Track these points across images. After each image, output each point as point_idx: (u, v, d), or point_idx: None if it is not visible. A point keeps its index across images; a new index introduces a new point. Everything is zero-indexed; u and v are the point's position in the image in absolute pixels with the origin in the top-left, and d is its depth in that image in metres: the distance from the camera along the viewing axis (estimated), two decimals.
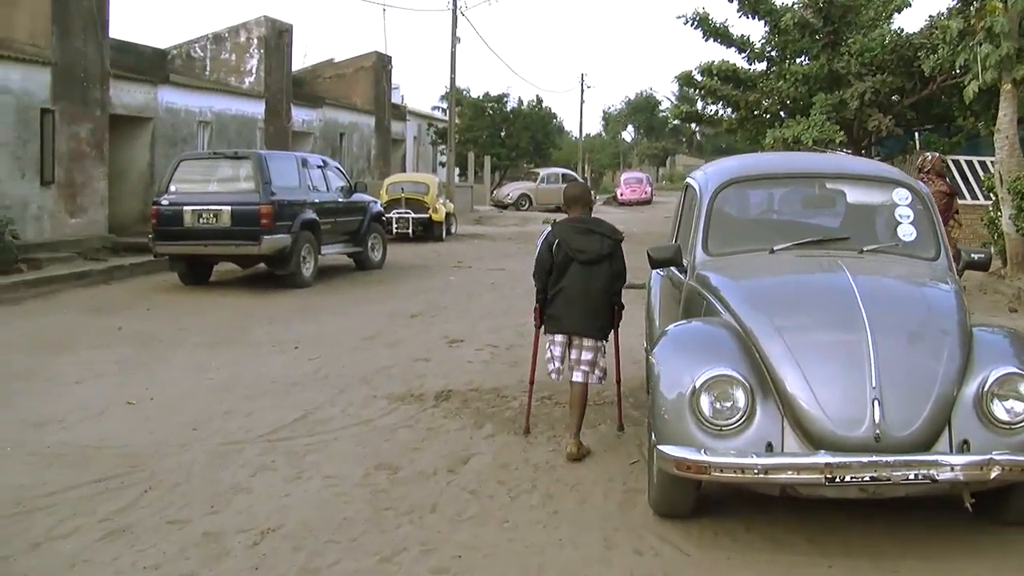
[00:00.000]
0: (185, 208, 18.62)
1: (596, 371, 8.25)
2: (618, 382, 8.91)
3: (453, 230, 34.05)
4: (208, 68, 36.61)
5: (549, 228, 8.38)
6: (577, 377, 8.22)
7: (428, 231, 31.72)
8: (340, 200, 21.56)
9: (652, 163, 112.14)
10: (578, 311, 8.10)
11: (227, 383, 10.70)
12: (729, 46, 28.60)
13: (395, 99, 52.98)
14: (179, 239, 18.80)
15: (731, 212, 7.88)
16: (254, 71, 36.25)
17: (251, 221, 18.33)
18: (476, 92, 64.38)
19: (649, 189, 68.01)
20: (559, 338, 8.31)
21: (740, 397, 5.78)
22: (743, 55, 28.68)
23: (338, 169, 22.62)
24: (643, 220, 44.98)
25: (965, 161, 25.39)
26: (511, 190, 55.37)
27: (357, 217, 22.28)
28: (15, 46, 22.37)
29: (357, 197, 22.52)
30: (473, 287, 19.63)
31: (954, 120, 26.69)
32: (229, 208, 18.46)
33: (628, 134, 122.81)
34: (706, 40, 28.44)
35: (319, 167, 21.29)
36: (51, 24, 22.89)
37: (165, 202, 18.86)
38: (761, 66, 28.78)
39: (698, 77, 28.18)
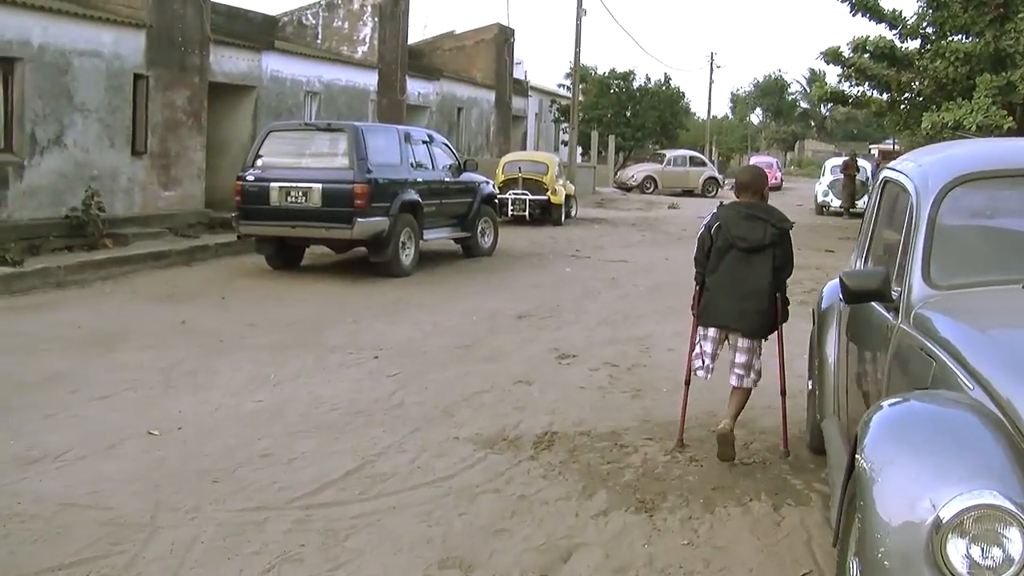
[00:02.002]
0: (272, 185, 16.72)
1: (751, 374, 7.68)
2: (783, 393, 7.88)
3: (573, 213, 31.90)
4: (320, 36, 34.96)
5: (714, 210, 7.75)
6: (732, 380, 7.69)
7: (546, 214, 29.60)
8: (447, 180, 19.53)
9: (780, 147, 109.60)
10: (733, 303, 7.55)
11: (278, 407, 8.64)
12: (879, 22, 25.99)
13: (517, 74, 51.05)
14: (264, 219, 16.91)
15: (965, 224, 5.50)
16: (367, 40, 34.52)
17: (344, 201, 16.36)
18: (602, 70, 62.17)
19: (779, 174, 65.29)
20: (711, 332, 7.76)
21: (1017, 541, 3.47)
22: (894, 32, 26.06)
23: (446, 145, 20.50)
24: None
25: None
26: (636, 172, 52.98)
27: (466, 199, 20.23)
28: (108, 6, 20.72)
29: (467, 176, 20.42)
30: (591, 282, 17.44)
31: None
32: (320, 186, 16.51)
33: (756, 117, 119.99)
34: (853, 14, 25.90)
35: (424, 142, 19.22)
36: None
37: (250, 177, 16.98)
38: (914, 44, 26.19)
39: (847, 54, 25.65)
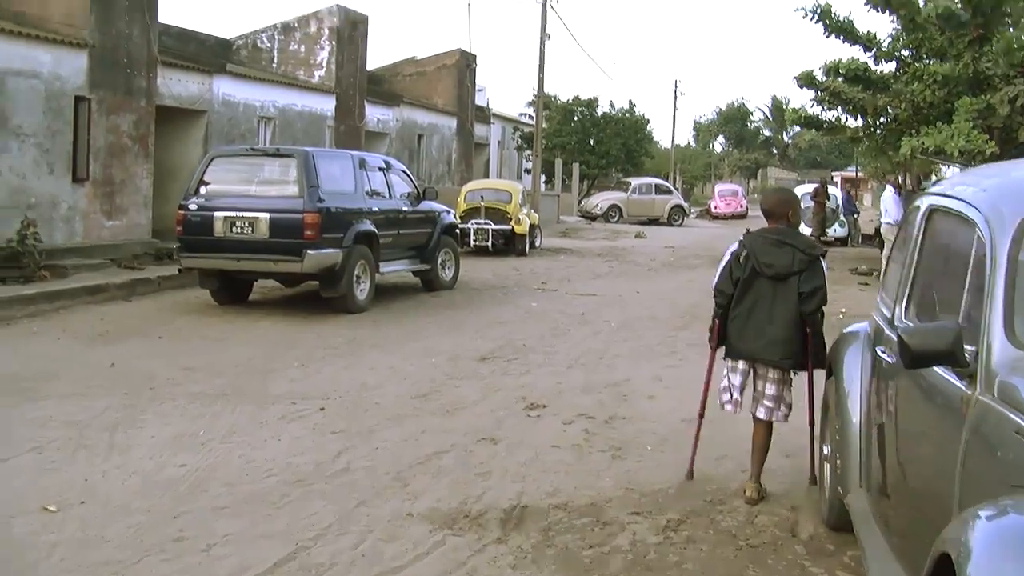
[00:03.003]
0: (216, 214, 15.52)
1: (782, 407, 7.35)
2: (811, 424, 7.55)
3: (537, 243, 30.75)
4: (275, 60, 33.95)
5: (740, 238, 7.48)
6: (760, 413, 7.36)
7: (509, 244, 28.57)
8: (405, 209, 18.32)
9: (743, 175, 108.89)
10: (762, 334, 7.20)
11: (203, 474, 7.41)
12: (854, 43, 24.97)
13: (479, 101, 50.22)
14: (208, 251, 15.68)
15: None
16: (325, 64, 33.56)
17: (293, 232, 15.18)
18: (565, 97, 61.11)
19: (744, 202, 64.60)
20: (741, 365, 7.43)
21: None
22: (869, 54, 25.08)
23: (404, 172, 19.28)
24: None
25: None
26: (600, 200, 51.86)
27: (425, 229, 19.04)
28: (46, 25, 19.58)
29: (426, 205, 19.23)
30: (559, 318, 16.31)
31: None
32: (267, 216, 15.32)
33: (719, 144, 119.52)
34: (827, 36, 24.85)
35: (381, 169, 18.02)
36: (90, 2, 20.04)
37: (193, 206, 15.77)
38: (889, 67, 25.23)
39: (821, 77, 24.64)
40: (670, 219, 50.60)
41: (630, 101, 77.33)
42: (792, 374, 7.37)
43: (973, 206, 4.44)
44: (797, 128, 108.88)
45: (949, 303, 4.59)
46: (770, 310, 7.17)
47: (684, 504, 6.89)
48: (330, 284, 15.84)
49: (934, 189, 5.45)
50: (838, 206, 36.83)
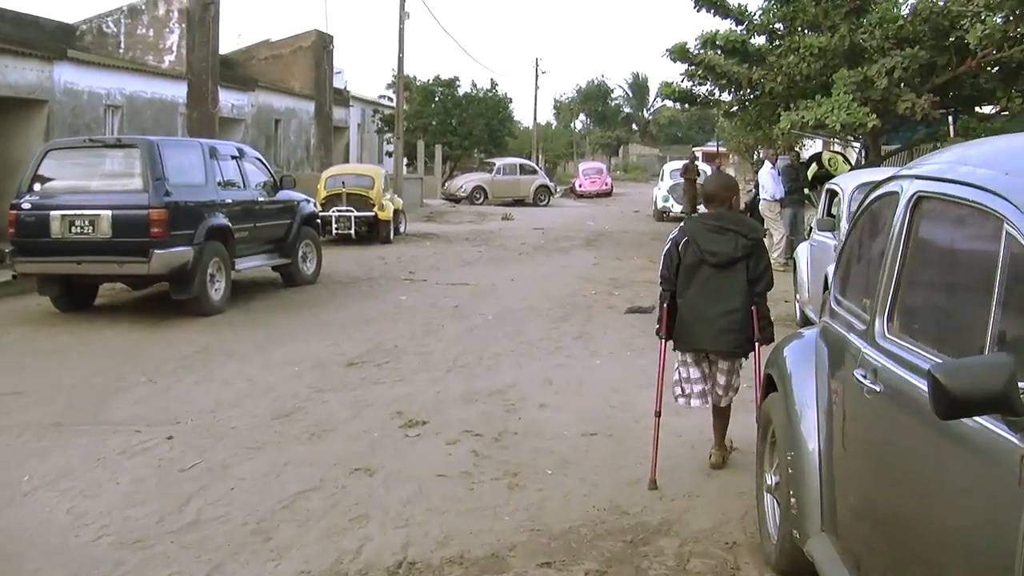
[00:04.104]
0: (52, 213, 14.10)
1: (730, 393, 7.35)
2: (759, 407, 6.62)
3: (402, 229, 29.56)
4: (123, 45, 32.38)
5: (681, 224, 7.43)
6: (710, 401, 7.34)
7: (373, 231, 27.34)
8: (261, 199, 17.02)
9: (604, 152, 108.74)
10: (708, 324, 7.10)
11: (18, 539, 6.11)
12: (725, 17, 24.19)
13: (338, 84, 48.79)
14: (45, 254, 14.28)
15: None
16: (175, 49, 32.16)
17: (138, 230, 13.85)
18: (426, 77, 59.78)
19: (609, 180, 64.14)
20: (690, 357, 7.32)
21: None
22: (741, 28, 24.32)
23: (258, 160, 17.94)
24: (611, 215, 40.93)
25: None
26: (464, 182, 50.64)
27: (284, 220, 17.77)
28: None
29: (284, 195, 17.94)
30: (431, 313, 15.21)
31: (996, 100, 22.59)
32: (109, 213, 13.92)
33: (580, 123, 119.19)
34: (697, 9, 24.02)
35: (233, 158, 16.66)
36: None
37: (26, 205, 14.32)
38: (761, 40, 24.49)
39: (695, 51, 23.78)
40: (536, 199, 49.76)
41: (492, 80, 76.84)
42: (742, 361, 7.29)
43: (997, 194, 3.40)
44: (659, 104, 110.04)
45: (964, 320, 3.61)
46: (717, 299, 7.04)
47: (602, 547, 5.86)
48: (181, 285, 14.53)
49: (917, 171, 4.38)
50: None
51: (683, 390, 7.32)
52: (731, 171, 41.98)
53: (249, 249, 16.55)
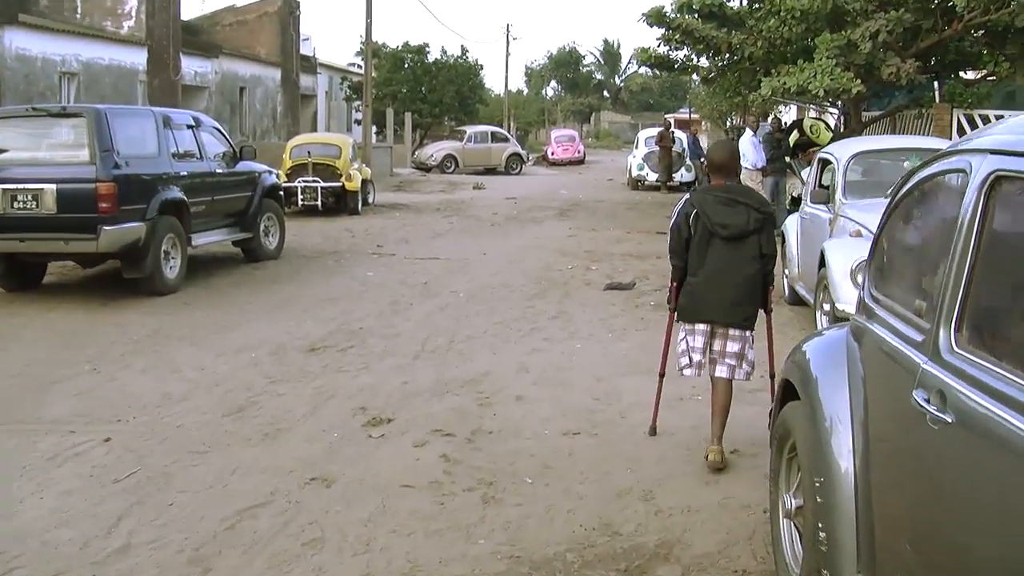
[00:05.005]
0: None
1: (744, 365, 7.15)
2: (772, 376, 7.28)
3: (371, 200, 28.62)
4: (79, 10, 31.24)
5: (687, 196, 7.31)
6: (721, 372, 7.12)
7: (340, 202, 26.33)
8: (219, 171, 16.09)
9: (576, 120, 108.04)
10: (721, 296, 7.01)
11: None
12: None
13: (305, 51, 47.88)
14: None
15: None
16: (134, 14, 31.16)
17: (86, 206, 12.92)
18: (395, 44, 58.63)
19: (582, 147, 63.21)
20: (700, 327, 7.15)
21: None
22: None
23: (216, 129, 16.95)
24: (585, 184, 40.14)
25: (996, 117, 20.65)
26: (435, 151, 49.63)
27: (244, 193, 16.85)
28: None
29: (244, 166, 16.99)
30: (399, 290, 14.41)
31: (983, 66, 21.90)
32: (54, 188, 12.95)
33: (551, 90, 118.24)
34: None
35: (189, 127, 15.67)
36: None
37: None
38: (741, 3, 23.70)
39: (672, 14, 22.95)
40: (508, 167, 48.91)
41: (462, 47, 75.76)
42: (753, 331, 7.15)
43: None
44: (631, 71, 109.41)
45: None
46: (729, 272, 6.94)
47: None
48: (133, 263, 13.65)
49: (990, 144, 3.58)
50: (684, 150, 35.51)
51: (691, 359, 7.16)
52: (704, 138, 41.31)
53: (207, 224, 15.65)
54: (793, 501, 4.83)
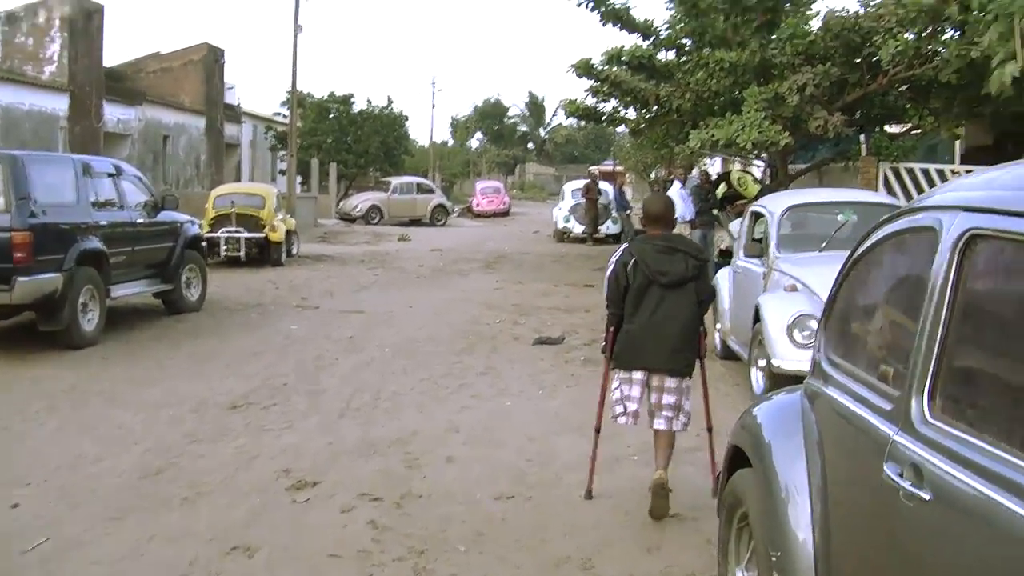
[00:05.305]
0: None
1: (681, 416, 7.16)
2: (710, 430, 7.53)
3: (295, 251, 28.23)
4: None
5: (625, 245, 7.43)
6: (660, 424, 7.11)
7: (264, 254, 25.94)
8: (140, 221, 15.69)
9: (501, 171, 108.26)
10: (661, 343, 7.04)
11: None
12: (631, 32, 23.37)
13: (230, 99, 47.38)
14: None
15: None
16: (56, 59, 30.47)
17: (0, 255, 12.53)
18: (321, 94, 58.32)
19: (507, 199, 63.18)
20: (637, 376, 7.17)
21: None
22: (647, 43, 23.50)
23: (138, 178, 16.57)
24: (510, 236, 39.98)
25: (921, 170, 20.83)
26: (360, 201, 49.32)
27: (165, 243, 16.46)
28: None
29: (166, 216, 16.62)
30: (324, 344, 14.09)
31: (908, 119, 22.10)
32: None
33: (476, 141, 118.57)
34: (604, 24, 23.17)
35: (110, 175, 15.30)
36: None
37: None
38: (670, 55, 23.73)
39: (601, 66, 22.90)
40: (433, 219, 48.68)
41: (388, 97, 75.49)
42: (690, 380, 7.22)
43: None
44: (556, 122, 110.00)
45: None
46: (668, 319, 7.03)
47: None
48: (49, 315, 13.23)
49: (962, 200, 3.35)
50: (610, 202, 35.55)
51: (625, 408, 7.19)
52: (628, 191, 41.40)
53: (127, 275, 15.25)
54: (746, 575, 4.60)
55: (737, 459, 4.83)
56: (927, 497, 3.03)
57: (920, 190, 20.45)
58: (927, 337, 3.26)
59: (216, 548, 6.27)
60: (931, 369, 3.20)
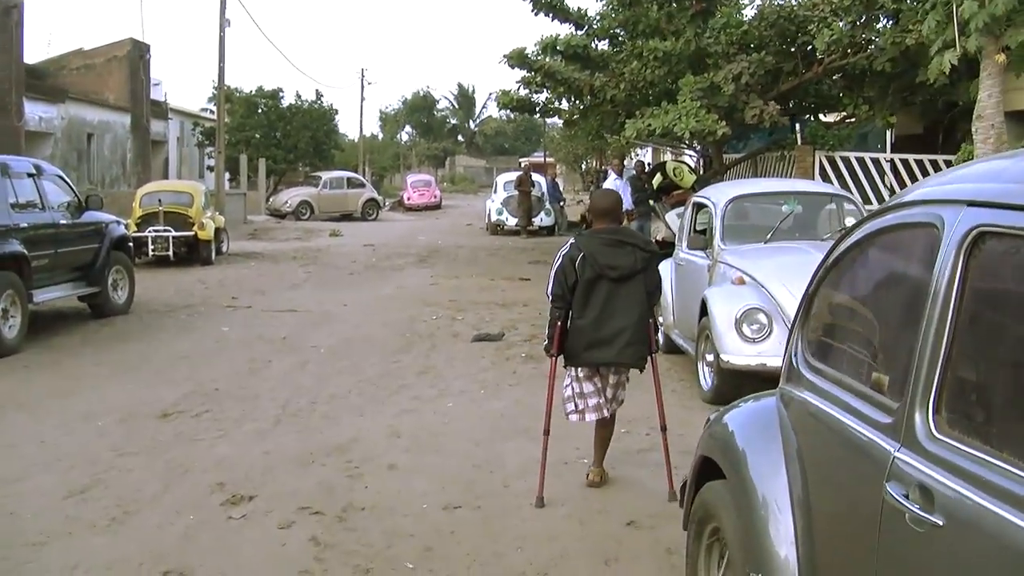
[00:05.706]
0: None
1: (614, 405, 7.41)
2: (663, 429, 7.39)
3: (224, 249, 27.67)
4: None
5: (572, 240, 7.30)
6: (605, 413, 7.29)
7: (193, 252, 25.34)
8: (63, 222, 15.14)
9: (431, 164, 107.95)
10: (614, 337, 7.03)
11: None
12: (564, 21, 23.10)
13: (156, 95, 46.55)
14: None
15: None
16: None
17: None
18: (249, 89, 57.62)
19: (438, 192, 63.00)
20: (583, 372, 7.21)
21: None
22: (580, 32, 23.23)
23: (60, 178, 16.02)
24: (443, 229, 39.60)
25: (856, 159, 20.78)
26: (289, 197, 48.72)
27: (90, 244, 15.92)
28: None
29: (90, 216, 16.08)
30: (257, 346, 13.68)
31: (842, 108, 22.05)
32: None
33: (406, 134, 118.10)
34: (535, 13, 22.91)
35: (30, 176, 14.74)
36: None
37: None
38: (604, 45, 23.48)
39: (535, 56, 22.59)
40: (364, 213, 48.25)
41: (317, 92, 74.97)
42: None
43: None
44: (486, 114, 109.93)
45: None
46: (618, 313, 7.03)
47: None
48: None
49: (966, 194, 3.03)
50: (543, 194, 35.32)
51: (576, 405, 7.23)
52: (560, 182, 41.17)
53: (50, 278, 14.73)
54: None
55: (706, 470, 4.50)
56: (939, 522, 2.72)
57: (855, 178, 20.41)
58: (931, 345, 2.95)
59: (147, 574, 5.86)
60: (936, 380, 2.90)
